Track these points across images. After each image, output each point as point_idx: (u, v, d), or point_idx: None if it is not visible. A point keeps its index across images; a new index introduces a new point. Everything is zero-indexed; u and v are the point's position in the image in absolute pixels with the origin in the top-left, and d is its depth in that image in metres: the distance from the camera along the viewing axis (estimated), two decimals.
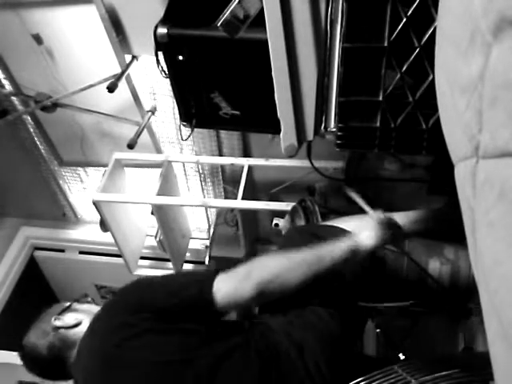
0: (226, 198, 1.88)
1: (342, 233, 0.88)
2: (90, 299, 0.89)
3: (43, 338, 0.79)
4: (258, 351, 0.74)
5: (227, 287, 0.73)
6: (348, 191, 1.07)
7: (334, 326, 0.79)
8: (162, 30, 1.02)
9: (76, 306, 0.85)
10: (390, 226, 0.79)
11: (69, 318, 0.81)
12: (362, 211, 0.96)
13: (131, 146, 1.42)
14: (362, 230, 0.78)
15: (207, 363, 0.71)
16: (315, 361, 0.75)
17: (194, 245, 2.06)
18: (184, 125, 1.23)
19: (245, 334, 0.78)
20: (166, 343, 0.72)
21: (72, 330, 0.80)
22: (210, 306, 0.72)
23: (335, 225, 0.93)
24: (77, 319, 0.81)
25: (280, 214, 1.42)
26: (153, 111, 1.56)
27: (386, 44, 0.65)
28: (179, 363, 0.71)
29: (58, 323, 0.80)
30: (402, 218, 0.95)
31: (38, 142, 1.86)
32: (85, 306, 0.86)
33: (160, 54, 1.09)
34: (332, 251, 0.75)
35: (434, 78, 0.49)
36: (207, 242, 1.92)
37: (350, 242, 0.76)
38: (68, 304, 0.85)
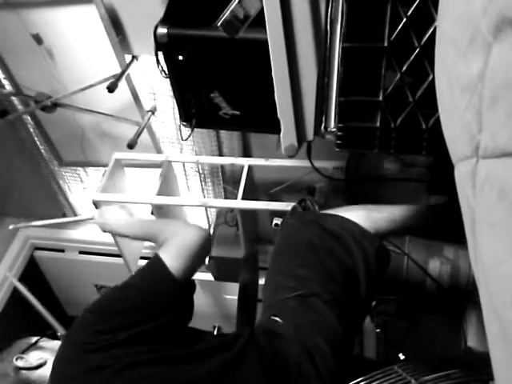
0: (225, 197, 1.88)
1: (345, 222, 0.87)
2: (58, 335, 0.81)
3: (2, 380, 0.71)
4: (264, 365, 0.71)
5: (174, 251, 0.72)
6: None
7: (337, 324, 0.77)
8: (162, 30, 1.02)
9: (43, 342, 0.76)
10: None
11: (32, 358, 0.72)
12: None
13: (131, 146, 1.42)
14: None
15: (210, 380, 0.67)
16: (326, 366, 0.72)
17: None
18: (184, 125, 1.23)
19: (248, 344, 0.73)
20: (152, 376, 0.64)
21: (35, 372, 0.71)
22: (172, 281, 0.68)
23: (337, 214, 0.91)
24: (41, 359, 0.72)
25: (280, 213, 1.41)
26: (153, 111, 1.56)
27: (385, 44, 0.65)
28: None
29: (19, 363, 0.71)
30: (400, 209, 0.93)
31: (38, 142, 1.85)
32: (53, 344, 0.76)
33: (160, 53, 1.09)
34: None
35: (433, 78, 0.49)
36: None
37: None
38: (34, 340, 0.76)
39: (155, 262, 0.73)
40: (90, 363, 0.64)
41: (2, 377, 0.71)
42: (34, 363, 0.72)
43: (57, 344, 0.76)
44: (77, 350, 0.65)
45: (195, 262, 0.73)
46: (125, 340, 0.65)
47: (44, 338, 0.77)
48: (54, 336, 0.79)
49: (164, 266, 0.71)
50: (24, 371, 0.71)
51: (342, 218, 0.89)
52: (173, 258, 0.72)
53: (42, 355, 0.74)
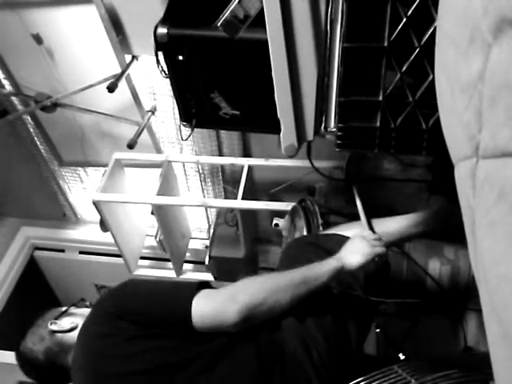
0: (225, 198, 1.88)
1: (342, 240, 0.88)
2: (87, 303, 0.88)
3: (39, 343, 0.79)
4: (259, 349, 0.73)
5: (208, 308, 0.70)
6: (354, 192, 1.06)
7: (337, 322, 0.79)
8: (162, 30, 1.02)
9: (73, 310, 0.85)
10: (375, 246, 0.80)
11: (65, 322, 0.81)
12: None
13: (131, 145, 1.42)
14: (349, 249, 0.79)
15: (202, 363, 0.71)
16: (321, 357, 0.74)
17: (194, 245, 2.06)
18: (184, 125, 1.23)
19: (246, 331, 0.75)
20: (153, 349, 0.71)
21: (68, 334, 0.79)
22: (187, 323, 0.70)
23: (336, 233, 0.93)
24: (73, 323, 0.81)
25: (280, 213, 1.42)
26: (153, 111, 1.56)
27: (385, 44, 0.65)
28: (171, 367, 0.69)
29: (54, 327, 0.79)
30: (402, 221, 0.95)
31: (38, 142, 1.86)
32: (81, 310, 0.85)
33: (160, 53, 1.09)
34: (318, 273, 0.75)
35: (433, 78, 0.49)
36: (207, 242, 1.92)
37: (336, 263, 0.77)
38: (65, 308, 0.85)
39: (188, 296, 0.72)
40: (107, 329, 0.72)
41: (40, 339, 0.80)
42: (67, 327, 0.80)
43: (86, 310, 0.84)
44: (102, 315, 0.74)
45: (218, 327, 0.72)
46: (140, 321, 0.72)
47: (73, 307, 0.86)
48: (81, 305, 0.89)
49: (189, 303, 0.70)
50: (58, 334, 0.80)
51: (340, 236, 0.91)
52: (203, 310, 0.71)
53: (74, 320, 0.82)
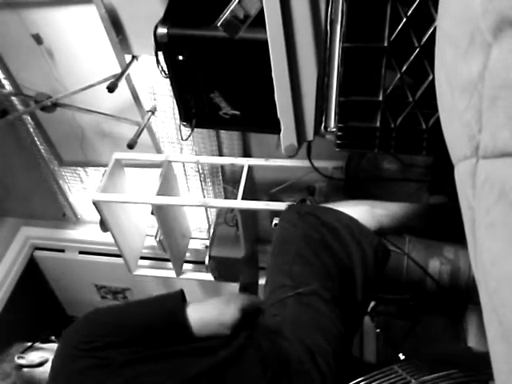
0: (225, 198, 1.88)
1: (343, 217, 0.87)
2: (53, 338, 0.83)
3: (3, 379, 0.73)
4: (266, 363, 0.71)
5: (206, 314, 0.72)
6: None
7: (337, 323, 0.77)
8: (162, 30, 1.02)
9: (39, 345, 0.80)
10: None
11: (33, 356, 0.75)
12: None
13: (131, 145, 1.42)
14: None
15: (208, 379, 0.67)
16: (327, 364, 0.72)
17: (194, 245, 2.06)
18: (184, 125, 1.24)
19: (246, 342, 0.74)
20: (146, 373, 0.65)
21: (37, 369, 0.74)
22: (183, 330, 0.68)
23: (336, 208, 0.91)
24: (42, 357, 0.75)
25: (280, 214, 1.41)
26: (153, 111, 1.56)
27: (385, 44, 0.65)
28: None
29: (21, 362, 0.74)
30: (401, 208, 0.94)
31: (37, 142, 1.86)
32: (50, 345, 0.80)
33: (160, 53, 1.09)
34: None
35: (433, 78, 0.49)
36: (207, 242, 1.92)
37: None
38: (30, 343, 0.79)
39: (176, 303, 0.72)
40: (87, 362, 0.65)
41: (4, 376, 0.73)
42: (36, 361, 0.75)
43: (54, 345, 0.78)
44: (73, 349, 0.66)
45: (212, 331, 0.73)
46: (122, 342, 0.67)
47: (38, 342, 0.80)
48: (47, 340, 0.82)
49: (183, 310, 0.70)
50: (26, 369, 0.74)
51: (340, 212, 0.88)
52: (198, 318, 0.72)
53: (43, 354, 0.77)
